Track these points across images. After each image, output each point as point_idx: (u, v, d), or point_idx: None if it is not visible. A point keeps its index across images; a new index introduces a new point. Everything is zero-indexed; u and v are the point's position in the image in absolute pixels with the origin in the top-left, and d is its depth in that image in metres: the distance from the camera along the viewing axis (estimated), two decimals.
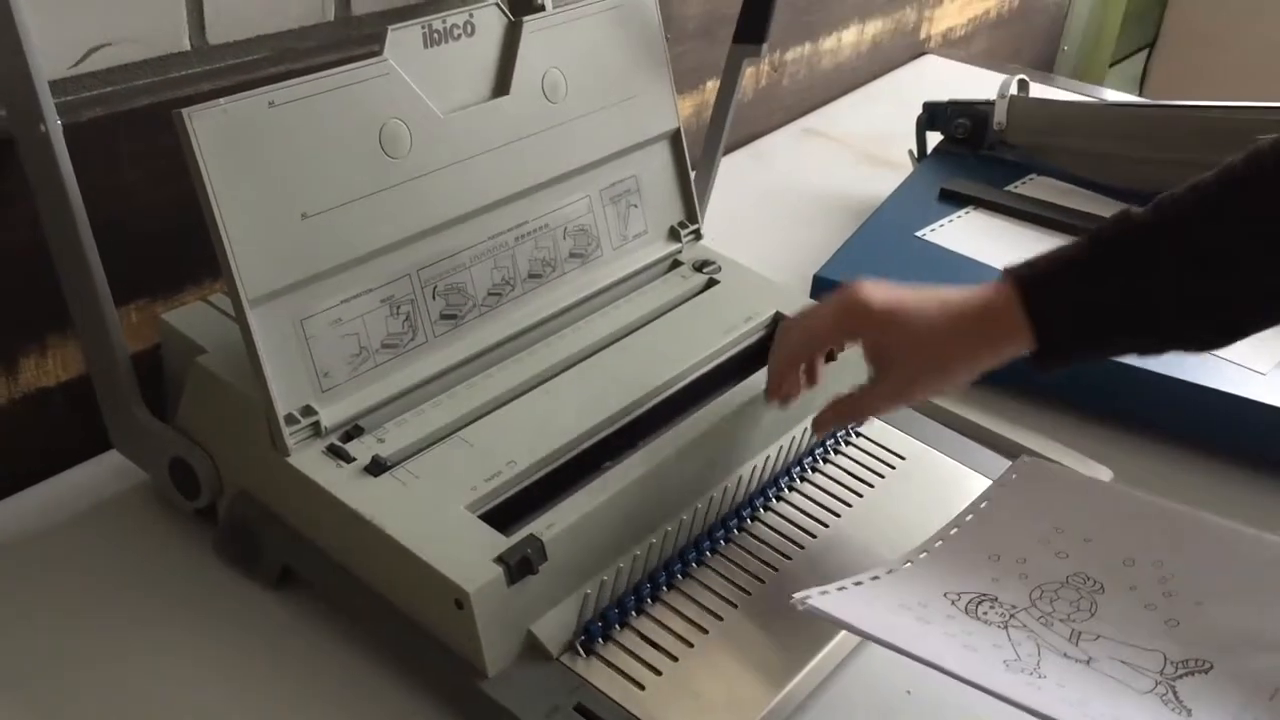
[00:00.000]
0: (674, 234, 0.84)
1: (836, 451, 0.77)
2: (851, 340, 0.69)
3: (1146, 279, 0.63)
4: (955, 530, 0.68)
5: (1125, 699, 0.57)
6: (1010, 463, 0.74)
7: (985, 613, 0.62)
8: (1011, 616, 0.62)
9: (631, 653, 0.61)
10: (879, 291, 0.66)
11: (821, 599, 0.60)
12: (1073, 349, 0.65)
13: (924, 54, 1.66)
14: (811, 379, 0.72)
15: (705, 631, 0.63)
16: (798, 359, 0.70)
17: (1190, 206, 0.63)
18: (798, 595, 0.60)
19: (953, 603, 0.62)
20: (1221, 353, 0.87)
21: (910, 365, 0.66)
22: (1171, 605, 0.63)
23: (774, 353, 0.70)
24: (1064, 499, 0.70)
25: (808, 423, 0.75)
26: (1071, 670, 0.58)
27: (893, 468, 0.77)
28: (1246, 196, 0.62)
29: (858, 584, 0.63)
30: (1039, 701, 0.54)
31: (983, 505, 0.70)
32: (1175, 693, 0.57)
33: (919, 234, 1.03)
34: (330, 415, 0.63)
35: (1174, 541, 0.67)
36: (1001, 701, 0.54)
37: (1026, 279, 0.64)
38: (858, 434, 0.78)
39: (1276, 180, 0.61)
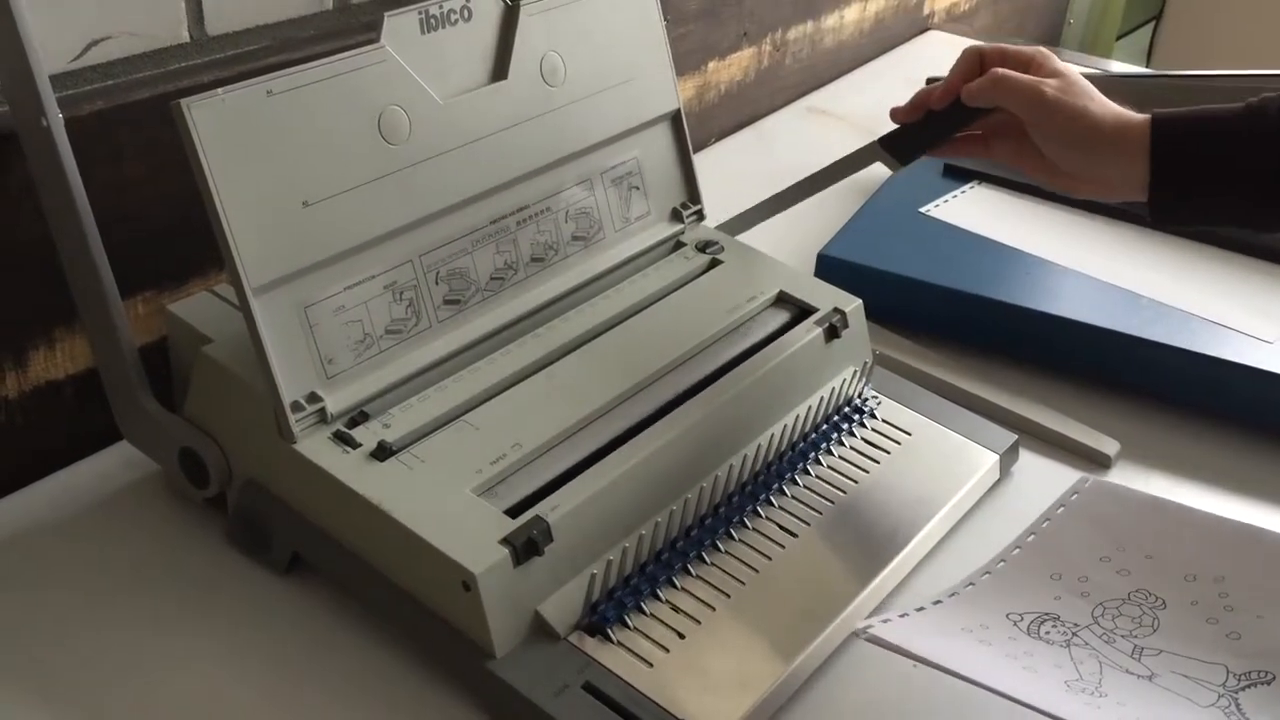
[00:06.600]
0: (676, 215, 0.84)
1: (840, 430, 0.77)
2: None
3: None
4: (1017, 550, 0.68)
5: (1188, 713, 0.57)
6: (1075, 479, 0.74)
7: (1048, 632, 0.62)
8: (1074, 635, 0.62)
9: (639, 631, 0.62)
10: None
11: (883, 627, 0.59)
12: (1187, 190, 0.69)
13: (927, 30, 1.65)
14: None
15: (712, 609, 0.64)
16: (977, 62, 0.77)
17: None
18: (860, 624, 0.59)
19: (1015, 624, 0.62)
20: (1227, 320, 0.87)
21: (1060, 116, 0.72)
22: (1233, 619, 0.63)
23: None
24: (1125, 518, 0.70)
25: (812, 401, 0.75)
26: (1133, 687, 0.58)
27: (898, 443, 0.77)
28: None
29: (920, 609, 0.62)
30: None
31: (1044, 525, 0.70)
32: (1238, 705, 0.57)
33: (923, 210, 1.03)
34: (336, 402, 0.64)
35: (1235, 556, 0.67)
36: None
37: (1166, 115, 0.70)
38: (861, 412, 0.79)
39: None
